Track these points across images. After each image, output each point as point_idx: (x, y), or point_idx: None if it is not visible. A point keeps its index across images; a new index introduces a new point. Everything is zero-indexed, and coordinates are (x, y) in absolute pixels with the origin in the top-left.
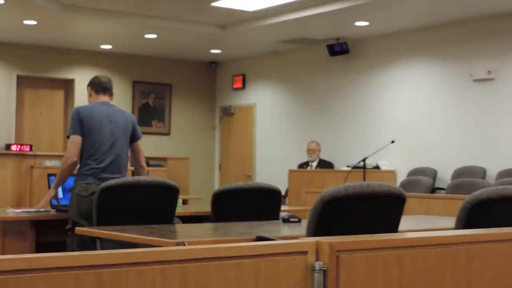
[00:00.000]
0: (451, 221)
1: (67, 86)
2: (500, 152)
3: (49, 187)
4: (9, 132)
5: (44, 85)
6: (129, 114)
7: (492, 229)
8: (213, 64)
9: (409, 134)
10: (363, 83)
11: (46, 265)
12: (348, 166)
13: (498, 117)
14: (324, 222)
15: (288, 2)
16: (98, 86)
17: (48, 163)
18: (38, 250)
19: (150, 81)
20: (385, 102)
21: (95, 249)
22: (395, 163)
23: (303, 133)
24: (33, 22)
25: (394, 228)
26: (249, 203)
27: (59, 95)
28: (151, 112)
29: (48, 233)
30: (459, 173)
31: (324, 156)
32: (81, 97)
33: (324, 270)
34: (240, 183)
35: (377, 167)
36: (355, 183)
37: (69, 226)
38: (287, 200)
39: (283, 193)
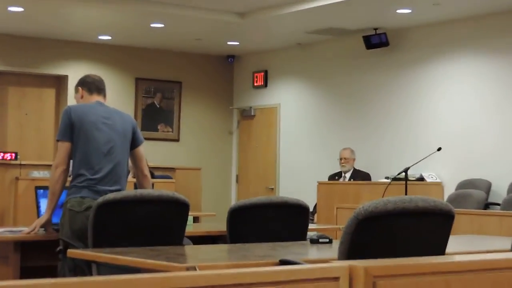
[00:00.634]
0: (507, 242)
1: (59, 83)
2: None
3: (37, 202)
4: None
5: (32, 82)
6: (128, 116)
7: None
8: (230, 59)
9: (458, 140)
10: (404, 81)
11: None
12: (387, 178)
13: None
14: (358, 243)
15: None
16: (91, 85)
17: (36, 174)
18: (23, 276)
19: (156, 78)
20: (431, 102)
21: (91, 274)
22: (442, 174)
23: (335, 138)
24: (19, 9)
25: (440, 250)
26: (271, 221)
27: (49, 94)
28: (157, 114)
29: (35, 257)
30: None
31: (359, 165)
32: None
33: None
34: (261, 197)
35: (421, 178)
36: (395, 198)
37: (60, 248)
38: (315, 217)
39: (311, 209)
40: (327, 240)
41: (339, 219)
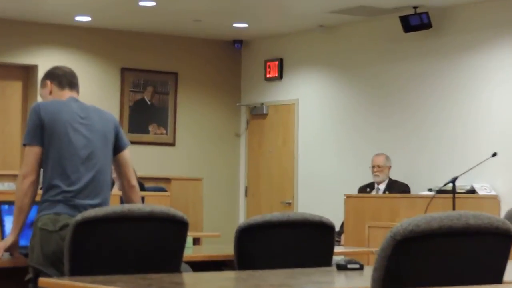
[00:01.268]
0: None
1: (27, 75)
2: None
3: (1, 221)
4: None
5: None
6: (109, 114)
7: None
8: (237, 44)
9: None
10: (450, 71)
11: None
12: (430, 190)
13: None
14: (396, 269)
15: None
16: (62, 79)
17: (0, 186)
18: None
19: (147, 68)
20: (483, 97)
21: None
22: (498, 185)
23: (366, 142)
24: None
25: (497, 277)
26: (288, 243)
27: (16, 87)
28: (148, 112)
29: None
30: None
31: (396, 175)
32: None
33: None
34: (275, 214)
35: (472, 191)
36: (440, 214)
37: (29, 276)
38: (342, 238)
39: (337, 228)
40: (357, 266)
41: (372, 240)
